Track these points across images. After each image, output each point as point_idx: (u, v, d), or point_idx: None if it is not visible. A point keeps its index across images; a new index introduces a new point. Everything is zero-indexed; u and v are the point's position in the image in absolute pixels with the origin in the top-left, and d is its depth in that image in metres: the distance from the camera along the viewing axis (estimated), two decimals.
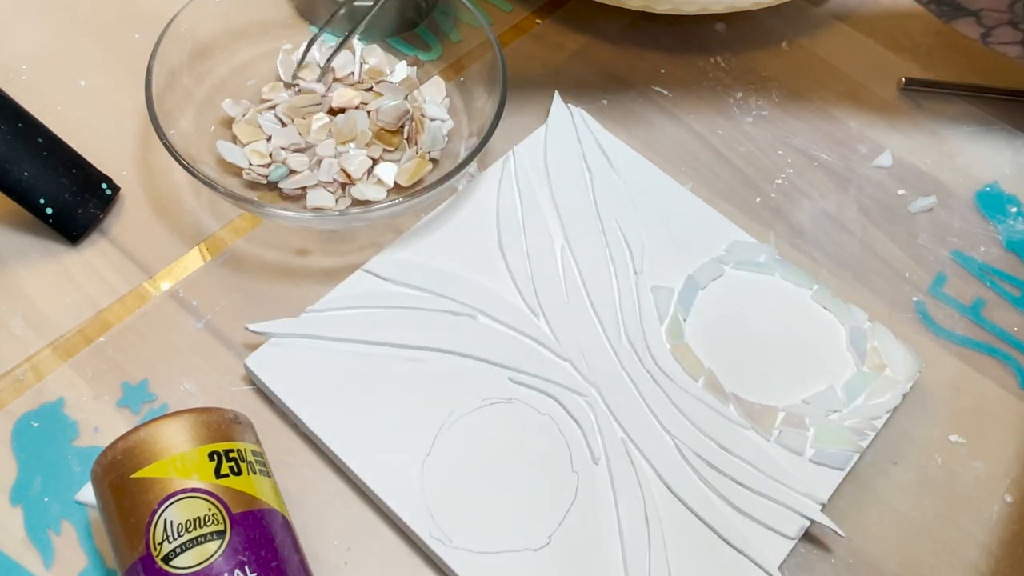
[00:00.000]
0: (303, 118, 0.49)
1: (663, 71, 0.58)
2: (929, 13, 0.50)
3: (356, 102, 0.49)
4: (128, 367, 0.44)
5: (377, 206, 0.44)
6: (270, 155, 0.49)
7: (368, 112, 0.49)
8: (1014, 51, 0.51)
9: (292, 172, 0.48)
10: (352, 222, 0.47)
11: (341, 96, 0.49)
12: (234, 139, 0.49)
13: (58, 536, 0.40)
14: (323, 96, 0.50)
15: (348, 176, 0.48)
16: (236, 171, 0.49)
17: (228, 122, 0.51)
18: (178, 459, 0.35)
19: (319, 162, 0.48)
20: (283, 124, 0.49)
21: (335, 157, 0.48)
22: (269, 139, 0.49)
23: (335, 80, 0.51)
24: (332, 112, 0.50)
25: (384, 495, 0.40)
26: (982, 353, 0.49)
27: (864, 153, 0.55)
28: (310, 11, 0.56)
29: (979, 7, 0.48)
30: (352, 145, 0.49)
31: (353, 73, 0.51)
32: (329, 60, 0.49)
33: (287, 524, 0.36)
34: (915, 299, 0.50)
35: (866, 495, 0.44)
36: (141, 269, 0.47)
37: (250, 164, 0.48)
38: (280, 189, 0.49)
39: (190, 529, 0.33)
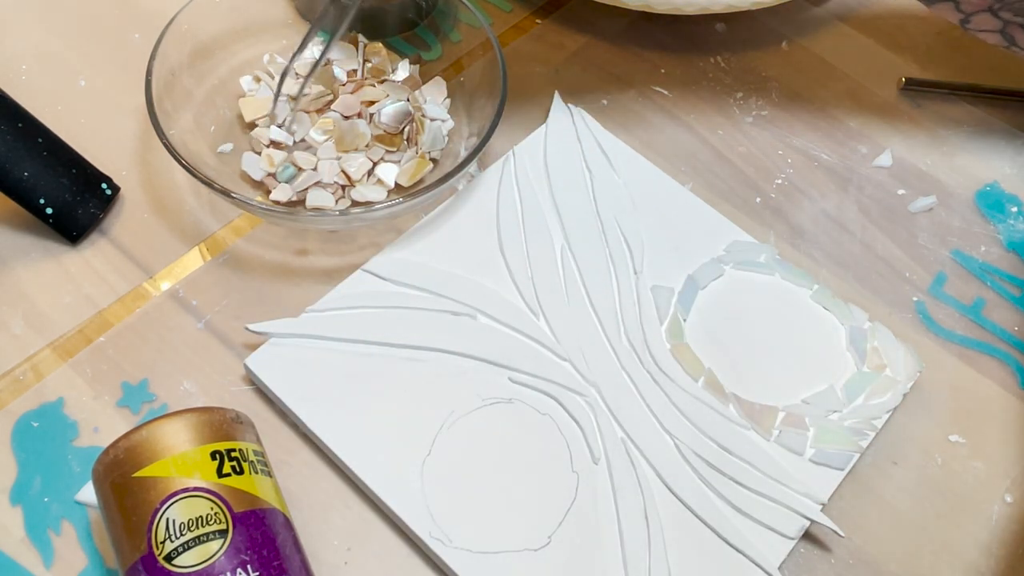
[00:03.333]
0: (318, 111, 0.49)
1: (663, 71, 0.58)
2: (926, 8, 0.50)
3: (358, 110, 0.49)
4: (128, 367, 0.44)
5: (377, 206, 0.44)
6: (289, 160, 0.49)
7: (370, 115, 0.49)
8: (993, 39, 0.51)
9: (300, 170, 0.48)
10: (352, 222, 0.47)
11: (343, 103, 0.49)
12: (247, 126, 0.49)
13: (58, 536, 0.40)
14: (340, 85, 0.50)
15: (348, 178, 0.48)
16: (246, 177, 0.49)
17: (229, 122, 0.51)
18: (180, 458, 0.35)
19: (318, 163, 0.48)
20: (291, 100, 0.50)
21: (336, 160, 0.48)
22: (280, 124, 0.49)
23: (347, 81, 0.51)
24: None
25: (384, 495, 0.40)
26: (982, 353, 0.49)
27: (864, 153, 0.55)
28: (310, 11, 0.56)
29: None
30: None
31: (356, 71, 0.51)
32: (311, 74, 0.49)
33: (288, 524, 0.36)
34: (915, 299, 0.50)
35: (866, 495, 0.44)
36: (141, 269, 0.47)
37: (272, 169, 0.48)
38: None
39: (192, 528, 0.33)
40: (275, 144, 0.49)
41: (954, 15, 0.50)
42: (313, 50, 0.52)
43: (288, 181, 0.48)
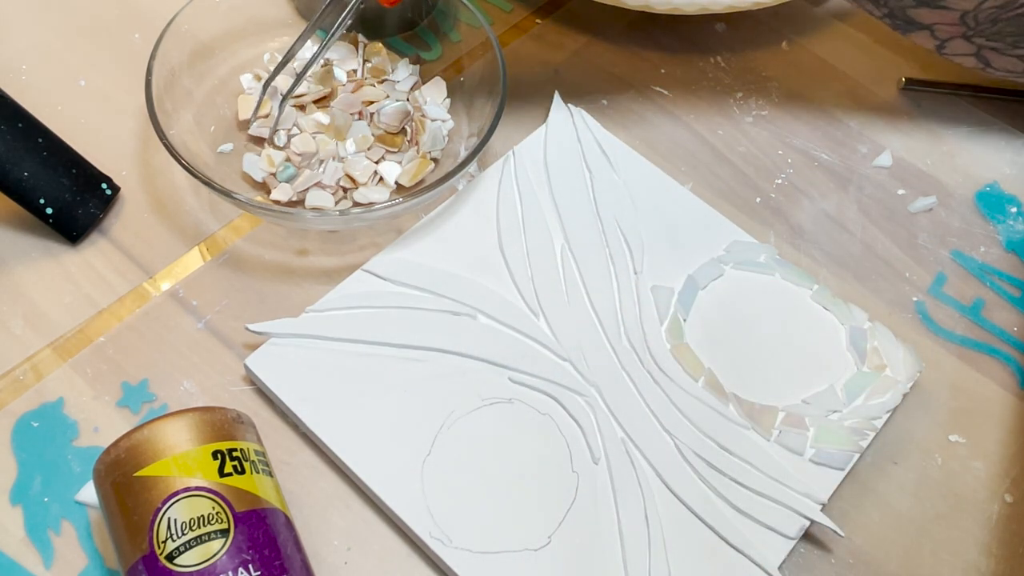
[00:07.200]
0: (314, 106, 0.49)
1: (663, 71, 0.58)
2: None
3: (358, 108, 0.49)
4: (128, 367, 0.44)
5: (377, 206, 0.44)
6: (287, 159, 0.48)
7: (370, 115, 0.49)
8: (969, 63, 0.52)
9: (300, 170, 0.48)
10: (352, 222, 0.47)
11: (344, 101, 0.49)
12: (246, 130, 0.49)
13: (58, 536, 0.40)
14: (340, 85, 0.50)
15: (353, 181, 0.48)
16: (246, 177, 0.49)
17: (229, 122, 0.51)
18: (181, 458, 0.35)
19: (319, 162, 0.48)
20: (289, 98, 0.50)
21: (338, 160, 0.48)
22: (275, 131, 0.49)
23: (347, 82, 0.51)
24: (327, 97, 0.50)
25: (384, 495, 0.40)
26: (982, 353, 0.49)
27: (864, 153, 0.55)
28: (310, 11, 0.56)
29: (932, 22, 0.49)
30: (352, 147, 0.49)
31: (356, 71, 0.51)
32: (304, 71, 0.49)
33: (289, 523, 0.36)
34: (915, 299, 0.50)
35: (866, 495, 0.44)
36: (141, 269, 0.47)
37: (272, 170, 0.48)
38: None
39: (193, 528, 0.33)
40: (273, 145, 0.49)
41: (930, 42, 0.51)
42: (313, 50, 0.52)
43: (288, 181, 0.48)
